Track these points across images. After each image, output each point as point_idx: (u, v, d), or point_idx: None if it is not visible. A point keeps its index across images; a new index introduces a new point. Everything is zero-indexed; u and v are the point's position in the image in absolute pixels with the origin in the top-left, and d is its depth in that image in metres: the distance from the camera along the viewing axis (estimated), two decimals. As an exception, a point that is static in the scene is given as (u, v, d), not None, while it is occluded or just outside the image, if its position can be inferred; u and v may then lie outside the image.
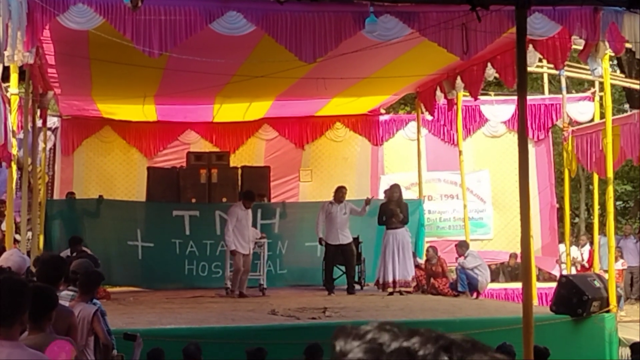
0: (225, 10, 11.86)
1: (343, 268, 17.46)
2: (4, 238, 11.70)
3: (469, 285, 17.50)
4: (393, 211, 16.88)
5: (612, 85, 18.91)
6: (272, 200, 20.23)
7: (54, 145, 21.49)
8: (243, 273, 16.40)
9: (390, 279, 16.69)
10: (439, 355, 1.55)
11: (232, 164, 20.02)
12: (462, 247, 17.94)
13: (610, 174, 14.95)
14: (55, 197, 20.91)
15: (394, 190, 17.29)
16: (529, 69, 14.22)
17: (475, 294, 17.48)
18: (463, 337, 1.60)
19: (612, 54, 15.17)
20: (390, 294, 16.58)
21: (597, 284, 13.74)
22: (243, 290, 16.27)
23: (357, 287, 17.44)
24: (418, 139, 20.43)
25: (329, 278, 17.27)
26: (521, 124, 10.05)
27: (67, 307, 7.37)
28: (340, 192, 17.44)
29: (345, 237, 17.16)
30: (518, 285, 17.92)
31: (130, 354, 8.38)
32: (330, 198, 17.55)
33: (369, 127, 22.46)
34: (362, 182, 21.86)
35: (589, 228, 24.93)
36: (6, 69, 13.59)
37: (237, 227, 16.27)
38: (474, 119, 21.95)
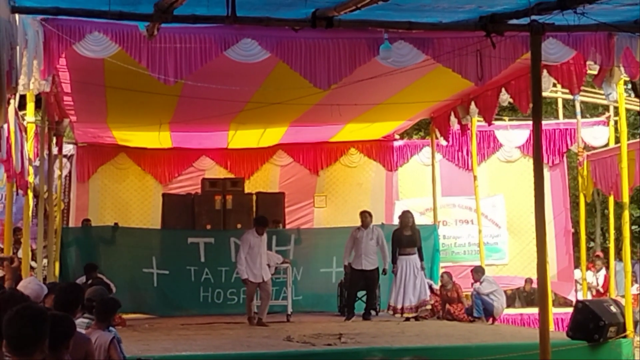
0: (240, 38, 11.89)
1: (360, 293, 17.39)
2: (20, 265, 11.72)
3: (485, 311, 17.43)
4: (407, 238, 16.89)
5: (627, 110, 18.93)
6: (287, 226, 20.23)
7: (70, 172, 21.58)
8: (263, 299, 16.21)
9: (406, 304, 16.65)
10: None
11: (246, 190, 20.05)
12: (477, 272, 17.88)
13: (626, 198, 14.91)
14: (71, 224, 20.97)
15: (407, 216, 17.25)
16: (543, 93, 14.22)
17: (490, 320, 17.41)
18: None
19: (627, 79, 15.15)
20: (407, 319, 16.54)
21: (614, 309, 13.66)
22: (262, 318, 15.99)
23: (372, 312, 17.37)
24: (433, 164, 20.41)
25: (350, 303, 17.16)
26: (537, 149, 10.05)
27: (84, 335, 7.37)
28: (363, 217, 17.29)
29: (369, 263, 16.99)
30: (534, 310, 17.83)
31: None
32: (346, 224, 17.56)
33: (383, 152, 22.48)
34: (377, 208, 21.79)
35: (605, 253, 24.82)
36: (22, 97, 13.67)
37: (249, 255, 16.02)
38: (489, 144, 21.95)
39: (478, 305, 17.44)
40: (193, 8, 10.44)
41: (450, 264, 20.74)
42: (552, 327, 14.61)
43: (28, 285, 8.20)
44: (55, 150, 17.95)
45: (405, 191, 22.52)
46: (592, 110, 28.01)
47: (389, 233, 18.36)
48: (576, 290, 20.70)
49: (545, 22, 10.56)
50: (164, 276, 18.54)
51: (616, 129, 19.76)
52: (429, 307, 17.11)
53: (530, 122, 10.69)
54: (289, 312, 16.86)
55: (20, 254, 14.30)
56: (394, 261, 16.93)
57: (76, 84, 14.94)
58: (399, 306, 16.70)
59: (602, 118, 21.25)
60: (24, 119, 14.41)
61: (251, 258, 16.05)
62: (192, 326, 15.86)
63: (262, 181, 22.21)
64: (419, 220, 20.60)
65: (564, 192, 21.88)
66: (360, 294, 17.44)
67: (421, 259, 16.98)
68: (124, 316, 16.66)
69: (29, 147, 14.26)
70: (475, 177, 19.50)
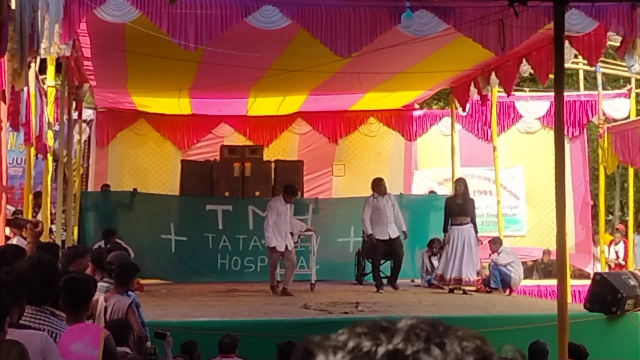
0: (260, 4, 11.89)
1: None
2: (42, 231, 11.79)
3: (502, 282, 17.41)
4: (458, 206, 16.54)
5: (649, 82, 18.78)
6: (305, 195, 20.17)
7: (89, 137, 21.61)
8: (287, 268, 15.85)
9: (452, 276, 16.33)
10: (429, 350, 1.48)
11: (265, 158, 20.00)
12: (495, 243, 17.85)
13: (646, 171, 14.83)
14: (90, 188, 21.04)
15: (458, 183, 17.01)
16: (565, 65, 14.13)
17: (508, 291, 17.39)
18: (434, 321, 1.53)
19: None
20: (451, 291, 16.28)
21: (632, 282, 13.63)
22: (287, 287, 15.63)
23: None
24: (452, 135, 20.34)
25: (376, 274, 16.75)
26: (558, 120, 9.98)
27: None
28: (380, 184, 16.82)
29: (393, 231, 16.61)
30: (551, 282, 17.82)
31: (162, 353, 8.45)
32: (365, 193, 17.32)
33: (402, 122, 22.42)
34: (395, 177, 21.77)
35: (624, 225, 24.73)
36: (43, 62, 13.68)
37: (275, 223, 15.67)
38: (508, 115, 21.85)
39: (495, 276, 17.42)
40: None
41: (468, 234, 20.68)
42: (569, 299, 14.61)
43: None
44: (75, 115, 18.00)
45: (424, 161, 22.47)
46: (613, 82, 27.80)
47: (407, 202, 18.34)
48: (594, 263, 20.66)
49: (569, -8, 10.46)
50: (182, 242, 18.59)
51: (637, 101, 19.67)
52: (470, 288, 16.54)
53: (551, 94, 10.67)
54: (313, 282, 16.71)
55: (39, 217, 14.38)
56: (445, 230, 16.63)
57: (96, 49, 14.96)
58: (447, 277, 16.39)
59: (624, 90, 21.10)
60: (44, 83, 14.44)
61: (277, 226, 15.71)
62: (210, 293, 15.93)
63: (280, 149, 22.18)
64: (438, 190, 20.62)
65: (583, 165, 21.81)
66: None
67: (475, 231, 16.58)
68: (142, 281, 16.72)
69: (49, 111, 14.28)
70: (494, 148, 19.41)
